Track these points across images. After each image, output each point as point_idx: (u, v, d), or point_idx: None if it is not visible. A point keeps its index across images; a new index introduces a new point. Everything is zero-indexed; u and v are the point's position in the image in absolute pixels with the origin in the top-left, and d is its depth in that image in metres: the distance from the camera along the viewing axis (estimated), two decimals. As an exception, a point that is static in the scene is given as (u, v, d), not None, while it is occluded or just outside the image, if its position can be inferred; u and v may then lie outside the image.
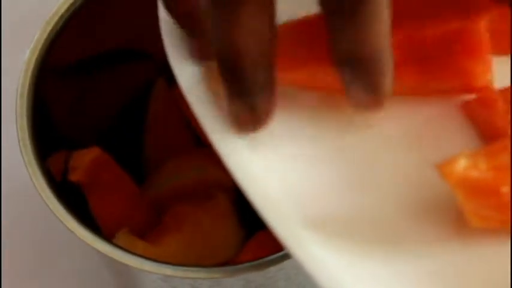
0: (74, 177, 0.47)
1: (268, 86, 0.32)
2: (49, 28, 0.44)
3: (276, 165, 0.33)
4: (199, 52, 0.35)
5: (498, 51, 0.34)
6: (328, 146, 0.33)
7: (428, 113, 0.34)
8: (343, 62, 0.31)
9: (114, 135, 0.51)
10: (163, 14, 0.36)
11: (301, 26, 0.34)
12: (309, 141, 0.33)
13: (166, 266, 0.39)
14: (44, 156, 0.42)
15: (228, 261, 0.50)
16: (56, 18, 0.44)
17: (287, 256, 0.38)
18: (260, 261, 0.39)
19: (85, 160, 0.47)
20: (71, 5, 0.44)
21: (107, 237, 0.47)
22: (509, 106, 0.33)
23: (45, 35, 0.44)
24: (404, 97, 0.35)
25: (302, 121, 0.34)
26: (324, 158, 0.34)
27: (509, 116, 0.32)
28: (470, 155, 0.31)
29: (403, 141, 0.34)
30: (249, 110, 0.32)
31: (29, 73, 0.43)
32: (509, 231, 0.31)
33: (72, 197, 0.45)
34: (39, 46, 0.43)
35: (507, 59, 0.36)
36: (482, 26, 0.33)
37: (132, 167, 0.51)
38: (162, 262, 0.39)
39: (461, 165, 0.30)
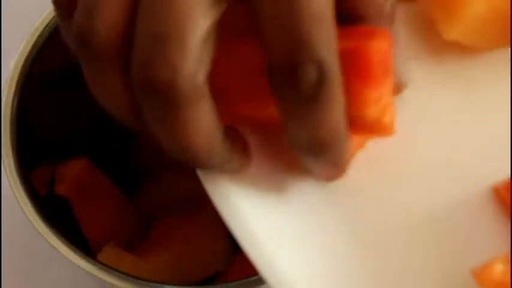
0: (60, 189, 0.46)
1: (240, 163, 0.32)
2: (33, 40, 0.43)
3: (285, 238, 0.33)
4: None
5: None
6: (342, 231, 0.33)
7: (459, 198, 0.33)
8: (303, 149, 0.30)
9: (103, 146, 0.51)
10: None
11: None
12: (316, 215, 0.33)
13: (152, 285, 0.38)
14: (28, 170, 0.42)
15: (217, 274, 0.50)
16: (40, 30, 0.43)
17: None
18: (248, 280, 0.38)
19: (71, 172, 0.47)
20: (56, 16, 0.43)
21: (95, 250, 0.47)
22: None
23: (28, 48, 0.43)
24: (431, 179, 0.34)
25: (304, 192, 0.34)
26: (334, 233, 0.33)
27: None
28: (505, 259, 0.30)
29: (430, 231, 0.33)
30: None
31: (13, 87, 0.42)
32: None
33: (59, 209, 0.45)
34: (23, 59, 0.43)
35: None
36: (378, 47, 0.30)
37: (120, 178, 0.50)
38: (148, 280, 0.38)
39: (498, 270, 0.30)
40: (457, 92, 0.35)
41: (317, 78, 0.28)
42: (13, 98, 0.42)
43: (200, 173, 0.33)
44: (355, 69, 0.30)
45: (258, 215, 0.33)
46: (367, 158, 0.34)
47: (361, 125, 0.31)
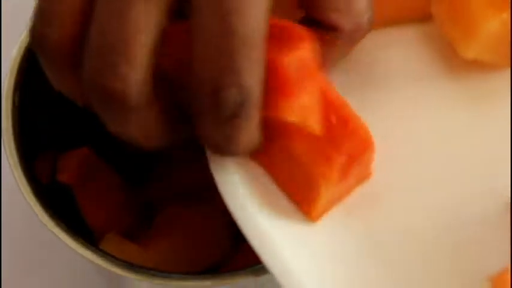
0: (63, 178, 0.46)
1: None
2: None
3: (291, 233, 0.33)
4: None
5: None
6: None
7: (473, 210, 0.33)
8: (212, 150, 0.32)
9: (105, 135, 0.51)
10: None
11: None
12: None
13: (155, 274, 0.38)
14: (31, 159, 0.42)
15: (220, 263, 0.49)
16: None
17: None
18: (252, 268, 0.38)
19: (73, 161, 0.47)
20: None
21: (98, 238, 0.47)
22: None
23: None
24: (446, 191, 0.34)
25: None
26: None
27: None
28: None
29: (444, 243, 0.33)
30: None
31: (14, 77, 0.42)
32: None
33: (61, 198, 0.45)
34: (24, 48, 0.42)
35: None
36: (293, 59, 0.31)
37: (123, 167, 0.50)
38: (151, 269, 0.38)
39: None
40: (476, 109, 0.35)
41: (238, 103, 0.29)
42: (14, 88, 0.42)
43: (212, 166, 0.33)
44: (272, 81, 0.30)
45: (268, 211, 0.33)
46: (382, 168, 0.34)
47: (286, 127, 0.32)
